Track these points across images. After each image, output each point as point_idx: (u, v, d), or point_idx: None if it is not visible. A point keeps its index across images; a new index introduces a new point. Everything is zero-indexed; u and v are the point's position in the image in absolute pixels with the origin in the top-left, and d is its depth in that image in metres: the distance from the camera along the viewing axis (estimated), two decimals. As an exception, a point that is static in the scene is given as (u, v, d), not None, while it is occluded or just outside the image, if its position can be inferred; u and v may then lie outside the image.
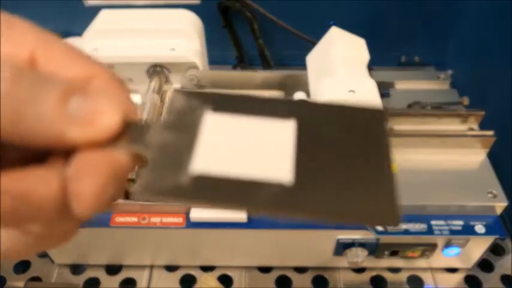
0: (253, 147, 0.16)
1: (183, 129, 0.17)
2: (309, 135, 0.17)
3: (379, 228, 0.44)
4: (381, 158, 0.16)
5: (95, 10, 0.48)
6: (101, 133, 0.15)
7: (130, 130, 0.16)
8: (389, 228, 0.44)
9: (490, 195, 0.45)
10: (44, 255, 0.52)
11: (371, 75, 0.44)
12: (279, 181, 0.15)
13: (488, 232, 0.44)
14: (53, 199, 0.15)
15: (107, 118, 0.15)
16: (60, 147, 0.15)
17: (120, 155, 0.16)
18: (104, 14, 0.48)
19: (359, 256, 0.46)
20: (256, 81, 0.48)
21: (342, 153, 0.16)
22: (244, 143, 0.16)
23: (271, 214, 0.15)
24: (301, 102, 0.18)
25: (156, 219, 0.45)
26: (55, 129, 0.14)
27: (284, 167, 0.16)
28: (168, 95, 0.49)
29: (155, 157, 0.16)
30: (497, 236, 0.44)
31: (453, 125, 0.50)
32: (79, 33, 0.48)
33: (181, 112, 0.17)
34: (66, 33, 0.63)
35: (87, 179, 0.15)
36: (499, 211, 0.45)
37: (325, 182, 0.15)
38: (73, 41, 0.61)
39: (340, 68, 0.43)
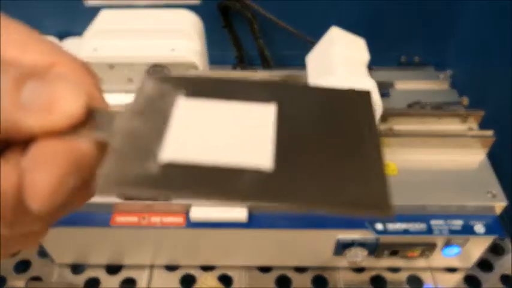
0: (229, 133, 0.15)
1: (153, 116, 0.15)
2: (290, 120, 0.15)
3: (379, 227, 0.44)
4: (369, 142, 0.15)
5: (95, 10, 0.48)
6: (60, 120, 0.14)
7: (95, 117, 0.15)
8: (389, 228, 0.44)
9: (489, 195, 0.45)
10: (44, 255, 0.52)
11: (371, 75, 0.44)
12: (258, 168, 0.14)
13: (487, 232, 0.44)
14: (11, 196, 0.13)
15: (66, 104, 0.14)
16: (18, 137, 0.14)
17: (82, 144, 0.14)
18: (104, 14, 0.48)
19: (359, 256, 0.46)
20: (256, 81, 0.48)
21: (326, 137, 0.15)
22: (219, 129, 0.15)
23: (249, 203, 0.14)
24: (282, 85, 0.17)
25: (156, 219, 0.45)
26: (9, 116, 0.13)
27: (263, 153, 0.14)
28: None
29: (121, 145, 0.14)
30: (496, 236, 0.45)
31: (453, 125, 0.50)
32: (79, 33, 0.48)
33: (151, 98, 0.16)
34: (66, 33, 0.63)
35: (42, 169, 0.13)
36: (498, 211, 0.45)
37: (309, 169, 0.14)
38: (73, 41, 0.62)
39: (340, 68, 0.43)
